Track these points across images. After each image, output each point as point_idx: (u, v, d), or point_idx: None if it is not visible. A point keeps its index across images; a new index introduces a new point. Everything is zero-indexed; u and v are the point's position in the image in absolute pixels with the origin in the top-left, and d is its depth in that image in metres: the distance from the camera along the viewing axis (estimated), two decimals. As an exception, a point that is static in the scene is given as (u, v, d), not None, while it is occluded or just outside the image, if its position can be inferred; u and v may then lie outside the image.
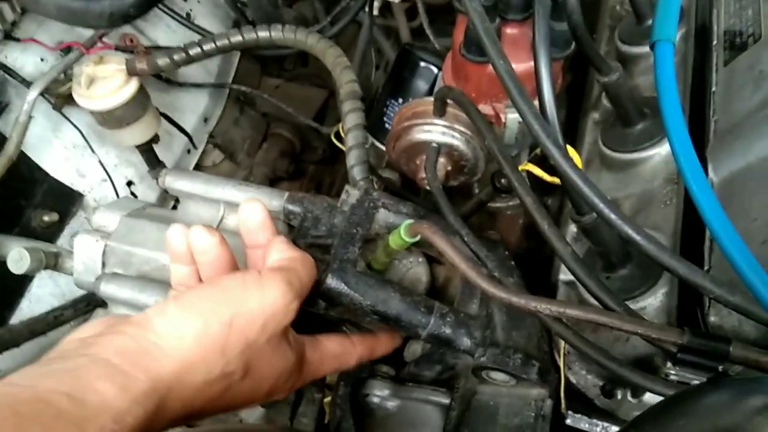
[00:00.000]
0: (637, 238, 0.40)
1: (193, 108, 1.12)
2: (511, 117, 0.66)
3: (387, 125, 0.94)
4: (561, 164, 0.44)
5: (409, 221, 0.53)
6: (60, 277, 0.88)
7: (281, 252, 0.52)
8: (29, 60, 0.89)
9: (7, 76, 0.86)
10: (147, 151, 0.93)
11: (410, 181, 0.79)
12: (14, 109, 0.86)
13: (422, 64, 0.91)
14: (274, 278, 0.47)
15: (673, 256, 0.39)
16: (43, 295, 0.87)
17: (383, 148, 0.94)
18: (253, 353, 0.45)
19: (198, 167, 1.14)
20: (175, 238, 0.50)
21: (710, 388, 0.35)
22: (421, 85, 0.91)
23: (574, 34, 0.55)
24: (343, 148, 0.94)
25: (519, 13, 0.63)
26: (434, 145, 0.65)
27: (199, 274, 0.52)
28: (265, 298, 0.46)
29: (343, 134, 0.92)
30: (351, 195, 0.63)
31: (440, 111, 0.64)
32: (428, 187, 0.65)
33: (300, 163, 1.34)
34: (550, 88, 0.47)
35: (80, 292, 0.87)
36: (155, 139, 0.93)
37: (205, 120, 1.14)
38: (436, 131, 0.65)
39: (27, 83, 0.86)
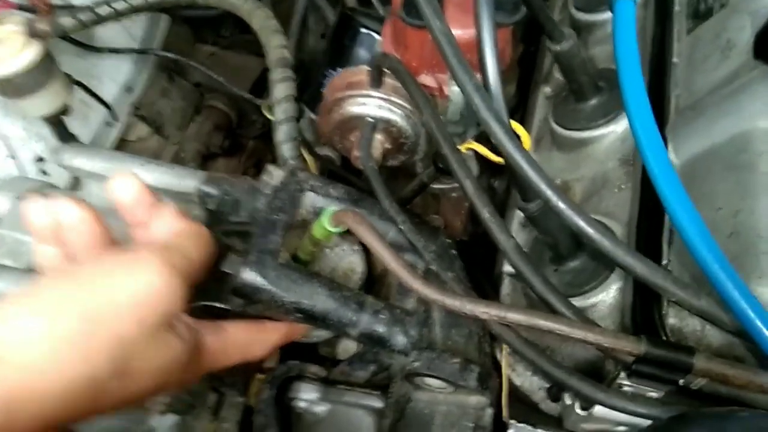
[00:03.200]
0: (589, 231, 0.34)
1: (113, 76, 1.01)
2: (455, 89, 0.60)
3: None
4: (504, 143, 0.37)
5: (332, 209, 0.46)
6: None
7: (166, 226, 0.44)
8: None
9: None
10: (56, 123, 0.83)
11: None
12: None
13: (364, 30, 0.83)
14: (149, 259, 0.38)
15: (629, 252, 0.33)
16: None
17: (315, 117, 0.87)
18: (127, 350, 0.37)
19: (122, 142, 1.04)
20: (36, 212, 0.41)
21: (679, 427, 0.30)
22: (363, 54, 0.83)
23: (524, -2, 0.48)
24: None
25: (464, -28, 0.56)
26: (369, 119, 0.58)
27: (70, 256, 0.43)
28: (137, 284, 0.37)
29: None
30: (274, 176, 0.56)
31: (376, 81, 0.57)
32: (362, 167, 0.58)
33: (237, 138, 1.25)
34: (493, 57, 0.40)
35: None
36: (65, 110, 0.83)
37: (128, 89, 1.03)
38: (371, 104, 0.58)
39: None
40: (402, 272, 0.38)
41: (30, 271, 0.56)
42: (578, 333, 0.34)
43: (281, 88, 0.67)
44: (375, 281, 0.65)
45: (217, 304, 0.52)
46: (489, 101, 0.38)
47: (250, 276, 0.49)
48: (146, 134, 1.10)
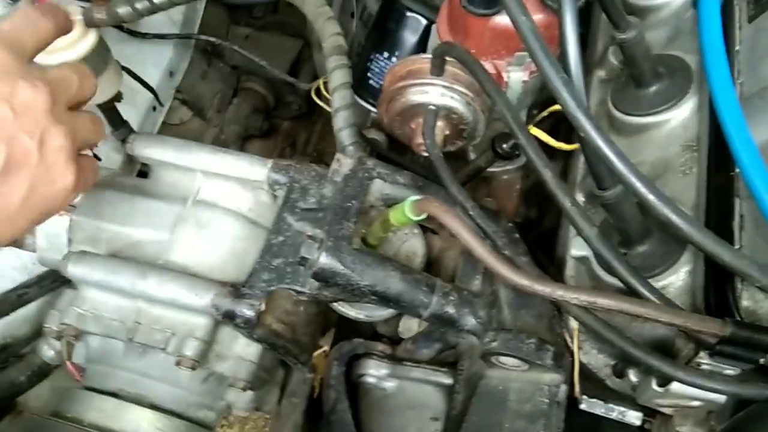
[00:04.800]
0: (678, 220, 0.36)
1: (157, 61, 1.02)
2: (514, 76, 0.61)
3: (371, 81, 0.87)
4: (589, 132, 0.39)
5: (414, 198, 0.48)
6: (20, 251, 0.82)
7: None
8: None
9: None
10: (109, 109, 0.85)
11: (396, 141, 0.74)
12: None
13: (409, 13, 0.84)
14: None
15: (718, 241, 0.35)
16: (4, 269, 0.80)
17: (368, 107, 0.88)
18: None
19: (164, 125, 1.06)
20: None
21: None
22: (409, 37, 0.84)
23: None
24: (323, 105, 0.88)
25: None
26: (432, 107, 0.59)
27: None
28: None
29: (323, 91, 0.86)
30: (343, 164, 0.58)
31: (438, 69, 0.59)
32: (425, 154, 0.60)
33: (273, 120, 1.27)
34: (576, 46, 0.41)
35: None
36: (118, 96, 0.85)
37: (171, 74, 1.05)
38: (434, 92, 0.59)
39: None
40: (490, 258, 0.41)
41: (111, 257, 0.58)
42: (666, 317, 0.36)
43: (338, 75, 0.69)
44: (432, 264, 0.67)
45: (296, 288, 0.55)
46: (574, 90, 0.39)
47: (328, 261, 0.52)
48: (188, 117, 1.12)
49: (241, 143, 1.19)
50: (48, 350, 0.80)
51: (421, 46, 0.84)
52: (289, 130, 1.30)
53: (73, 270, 0.56)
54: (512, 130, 0.47)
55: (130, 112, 0.95)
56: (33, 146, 0.43)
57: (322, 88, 0.89)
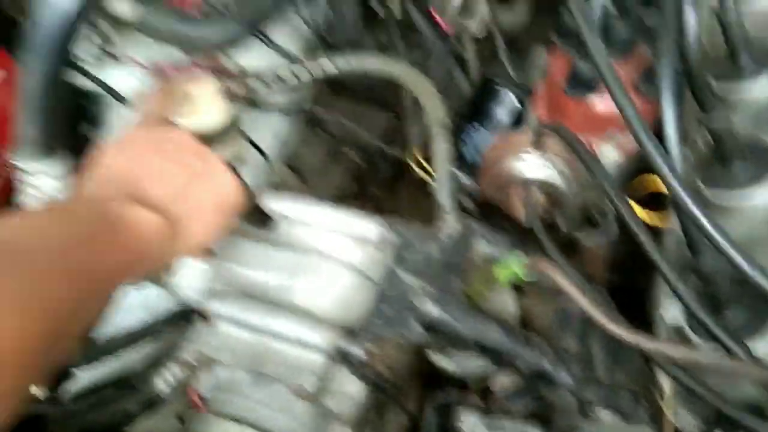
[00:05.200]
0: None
1: (269, 128, 1.15)
2: (606, 151, 0.67)
3: (464, 153, 0.95)
4: (685, 201, 0.45)
5: (522, 257, 0.54)
6: (146, 288, 0.92)
7: None
8: (124, 77, 0.93)
9: (104, 92, 0.90)
10: (231, 169, 0.96)
11: (484, 206, 0.81)
12: (110, 124, 0.90)
13: (503, 91, 0.92)
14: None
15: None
16: (131, 306, 0.90)
17: (459, 174, 0.96)
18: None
19: (270, 186, 1.17)
20: None
21: None
22: (501, 112, 0.92)
23: (689, 75, 0.55)
24: (420, 174, 0.96)
25: (621, 52, 0.64)
26: (531, 177, 0.66)
27: None
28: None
29: (421, 160, 0.94)
30: (450, 225, 0.65)
31: (538, 143, 0.66)
32: (522, 220, 0.67)
33: (363, 184, 1.37)
34: (673, 122, 0.47)
35: (164, 305, 0.91)
36: (240, 157, 0.97)
37: (281, 140, 1.17)
38: (533, 163, 0.66)
39: (123, 100, 0.90)
40: (595, 311, 0.46)
41: (243, 296, 0.67)
42: None
43: (441, 147, 0.77)
44: (521, 322, 0.72)
45: (404, 334, 0.61)
46: (674, 166, 0.45)
47: (436, 311, 0.58)
48: (290, 179, 1.23)
49: (334, 204, 1.28)
50: (162, 383, 0.88)
51: (512, 121, 0.91)
52: (376, 193, 1.39)
53: (213, 306, 0.64)
54: (611, 199, 0.52)
55: (245, 172, 1.06)
56: (200, 164, 0.60)
57: (418, 157, 0.98)
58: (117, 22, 0.88)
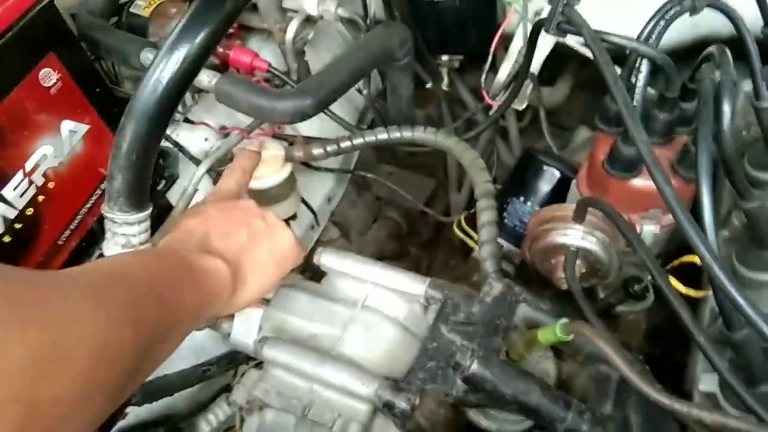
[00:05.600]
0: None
1: (320, 189, 1.22)
2: (648, 228, 0.71)
3: (506, 221, 1.00)
4: (721, 279, 0.48)
5: (564, 320, 0.57)
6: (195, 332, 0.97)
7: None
8: (196, 139, 1.02)
9: (179, 152, 0.98)
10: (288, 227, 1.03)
11: (524, 271, 0.84)
12: (181, 182, 0.97)
13: (545, 167, 0.98)
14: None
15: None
16: (182, 349, 0.95)
17: (501, 242, 1.01)
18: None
19: (317, 242, 1.23)
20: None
21: None
22: (543, 186, 0.98)
23: (725, 156, 0.59)
24: (463, 237, 1.01)
25: (662, 137, 0.69)
26: (573, 248, 0.70)
27: None
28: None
29: (464, 225, 0.99)
30: (494, 287, 0.69)
31: (580, 217, 0.70)
32: (564, 287, 0.70)
33: (404, 244, 1.42)
34: (710, 206, 0.52)
35: (211, 347, 0.96)
36: (294, 216, 1.03)
37: (329, 200, 1.24)
38: (575, 235, 0.70)
39: (194, 160, 0.98)
40: (635, 376, 0.49)
41: (295, 344, 0.71)
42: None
43: (486, 214, 0.81)
44: (561, 387, 0.74)
45: (445, 389, 0.64)
46: (710, 246, 0.49)
47: (478, 368, 0.61)
48: (336, 237, 1.29)
49: (375, 263, 1.33)
50: (205, 426, 0.92)
51: (553, 195, 0.96)
52: (416, 255, 1.44)
53: (267, 352, 0.68)
54: (652, 273, 0.56)
55: (295, 227, 1.13)
56: (261, 222, 0.68)
57: (463, 223, 1.03)
58: (196, 90, 0.98)
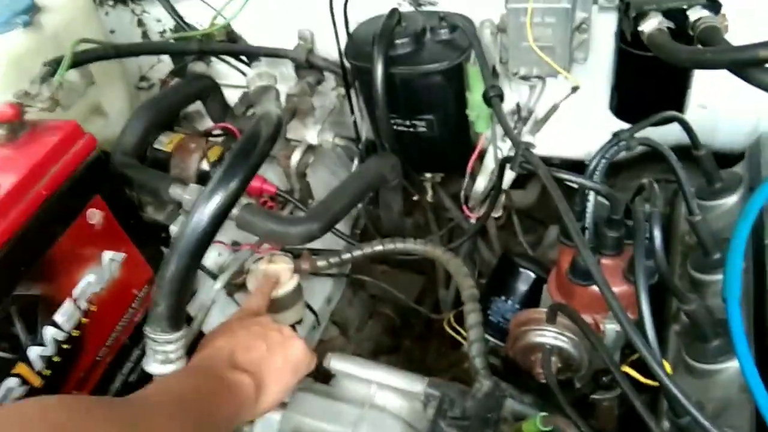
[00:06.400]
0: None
1: (320, 291, 1.34)
2: (609, 327, 0.84)
3: (491, 317, 1.13)
4: (659, 373, 0.60)
5: (543, 414, 0.69)
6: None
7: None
8: (211, 254, 1.14)
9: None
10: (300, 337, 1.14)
11: (509, 363, 0.96)
12: (199, 295, 1.09)
13: (521, 270, 1.11)
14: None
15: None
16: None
17: (488, 337, 1.13)
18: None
19: (318, 341, 1.34)
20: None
21: None
22: (521, 287, 1.11)
23: (659, 271, 0.73)
24: (453, 335, 1.13)
25: (613, 250, 0.83)
26: (548, 346, 0.82)
27: None
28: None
29: (453, 322, 1.11)
30: (484, 385, 0.80)
31: (552, 319, 0.83)
32: (543, 380, 0.82)
33: (398, 338, 1.53)
34: (648, 313, 0.65)
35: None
36: (300, 320, 1.15)
37: (329, 301, 1.36)
38: (549, 336, 0.83)
39: (210, 274, 1.10)
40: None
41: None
42: None
43: (473, 316, 0.93)
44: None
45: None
46: (647, 344, 0.61)
47: (475, 459, 0.72)
48: (335, 335, 1.40)
49: (371, 358, 1.44)
50: None
51: (530, 293, 1.10)
52: (408, 348, 1.55)
53: (289, 453, 0.78)
54: (611, 368, 0.68)
55: (299, 329, 1.24)
56: (277, 335, 0.80)
57: (452, 321, 1.15)
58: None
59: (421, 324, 1.52)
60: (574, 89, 0.96)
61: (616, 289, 0.81)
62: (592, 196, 0.79)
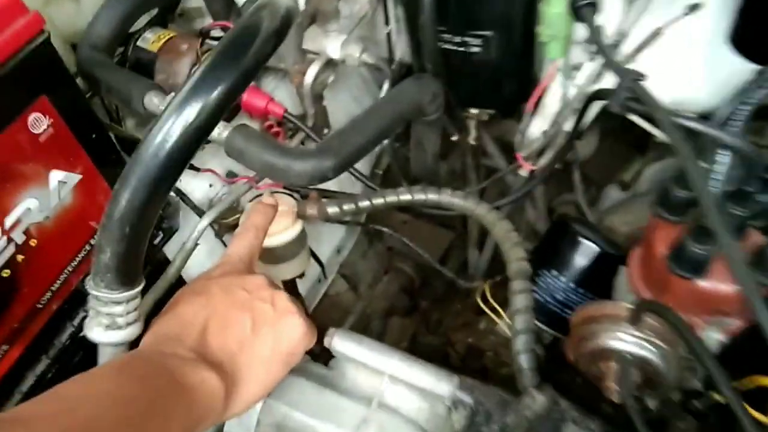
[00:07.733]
0: None
1: (329, 239, 1.13)
2: (712, 335, 0.62)
3: (536, 296, 0.91)
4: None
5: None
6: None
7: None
8: (199, 186, 0.93)
9: (180, 201, 0.89)
10: (289, 282, 0.94)
11: (555, 353, 0.75)
12: (181, 234, 0.88)
13: (582, 240, 0.88)
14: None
15: None
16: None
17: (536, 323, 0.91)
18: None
19: (323, 295, 1.14)
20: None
21: None
22: (580, 261, 0.88)
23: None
24: (486, 310, 0.92)
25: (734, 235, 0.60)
26: (628, 356, 0.61)
27: None
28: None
29: (489, 297, 0.90)
30: (537, 401, 0.59)
31: (636, 320, 0.61)
32: (615, 399, 0.61)
33: (415, 299, 1.33)
34: None
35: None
36: (302, 274, 0.94)
37: (338, 251, 1.15)
38: (631, 341, 0.61)
39: (197, 210, 0.89)
40: None
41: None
42: None
43: (521, 298, 0.72)
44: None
45: None
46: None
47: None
48: (344, 290, 1.20)
49: (384, 318, 1.24)
50: None
51: (590, 272, 0.87)
52: (426, 309, 1.35)
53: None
54: (720, 390, 0.47)
55: (301, 283, 1.04)
56: (269, 309, 0.57)
57: (487, 293, 0.94)
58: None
59: (443, 285, 1.31)
60: (694, 7, 0.70)
61: (729, 288, 0.59)
62: (725, 158, 0.55)
